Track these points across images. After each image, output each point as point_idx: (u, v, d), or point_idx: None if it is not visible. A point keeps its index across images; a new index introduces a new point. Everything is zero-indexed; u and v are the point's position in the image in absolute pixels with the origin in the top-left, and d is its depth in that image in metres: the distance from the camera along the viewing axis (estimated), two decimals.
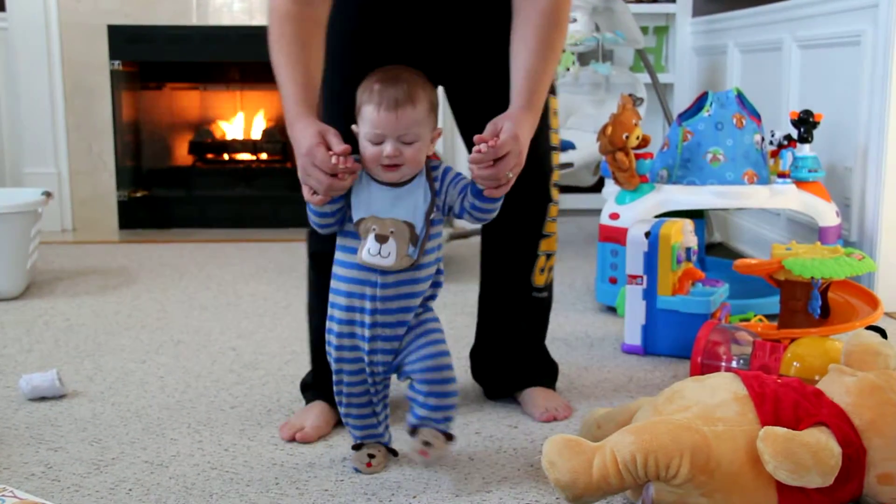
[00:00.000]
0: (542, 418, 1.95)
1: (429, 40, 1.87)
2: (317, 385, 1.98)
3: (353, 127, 1.59)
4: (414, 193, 1.58)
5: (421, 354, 1.64)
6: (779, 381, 1.59)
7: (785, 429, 1.45)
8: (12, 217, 3.04)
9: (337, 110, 1.75)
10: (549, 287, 2.07)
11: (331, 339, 1.66)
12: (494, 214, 1.62)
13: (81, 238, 4.27)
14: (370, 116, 1.53)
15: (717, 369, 2.06)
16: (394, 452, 1.74)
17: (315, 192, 1.55)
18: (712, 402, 1.54)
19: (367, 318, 1.61)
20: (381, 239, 1.56)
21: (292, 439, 1.86)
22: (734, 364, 2.09)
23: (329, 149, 1.53)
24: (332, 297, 1.65)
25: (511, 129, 1.55)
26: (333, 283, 1.65)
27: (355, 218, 1.58)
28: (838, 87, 3.11)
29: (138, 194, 4.57)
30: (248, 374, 2.29)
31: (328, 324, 1.66)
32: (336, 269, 1.64)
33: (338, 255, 1.64)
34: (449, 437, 1.67)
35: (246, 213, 4.50)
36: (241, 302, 3.04)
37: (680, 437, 1.45)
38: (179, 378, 2.27)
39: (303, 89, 1.63)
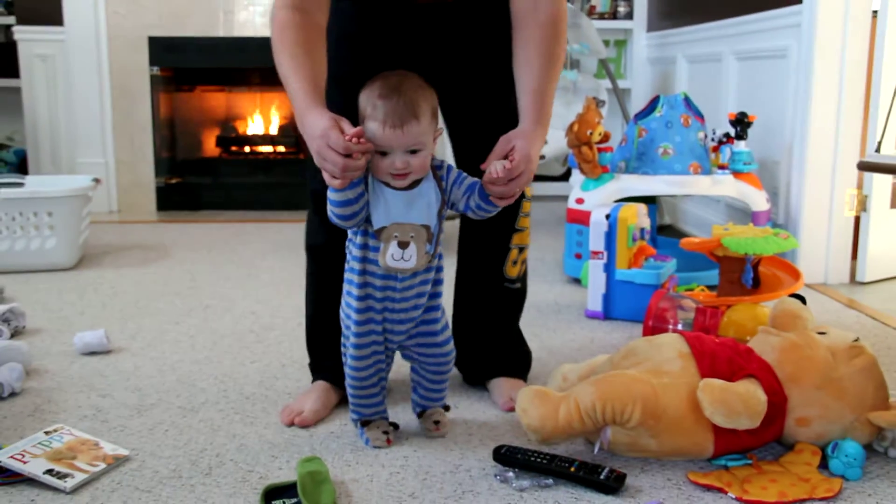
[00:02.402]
0: (505, 407, 1.75)
1: (423, 46, 1.68)
2: (317, 368, 1.85)
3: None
4: (426, 195, 1.46)
5: (429, 350, 1.58)
6: (716, 340, 1.59)
7: (720, 380, 1.46)
8: (68, 200, 3.04)
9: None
10: (521, 278, 1.88)
11: (349, 324, 1.54)
12: (494, 214, 1.50)
13: (125, 218, 4.25)
14: (376, 133, 1.39)
15: (665, 331, 2.07)
16: (395, 426, 1.63)
17: (334, 177, 1.39)
18: (660, 358, 1.55)
19: (388, 306, 1.51)
20: (403, 245, 1.44)
21: (291, 424, 1.67)
22: (679, 326, 2.09)
23: (342, 132, 1.37)
24: (347, 287, 1.53)
25: (524, 148, 1.42)
26: (349, 276, 1.52)
27: (376, 226, 1.45)
28: (768, 92, 3.11)
29: (173, 181, 4.54)
30: (266, 334, 2.29)
31: (345, 310, 1.55)
32: (353, 265, 1.51)
33: (355, 252, 1.50)
34: (447, 408, 1.66)
35: (265, 197, 4.48)
36: (260, 273, 3.03)
37: (633, 388, 1.45)
38: (207, 337, 2.27)
39: (311, 84, 1.46)
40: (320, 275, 1.84)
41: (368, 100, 1.41)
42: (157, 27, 4.30)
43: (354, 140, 1.35)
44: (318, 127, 1.38)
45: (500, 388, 1.81)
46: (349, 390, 1.59)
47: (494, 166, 1.41)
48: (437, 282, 1.55)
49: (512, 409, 1.73)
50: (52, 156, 4.52)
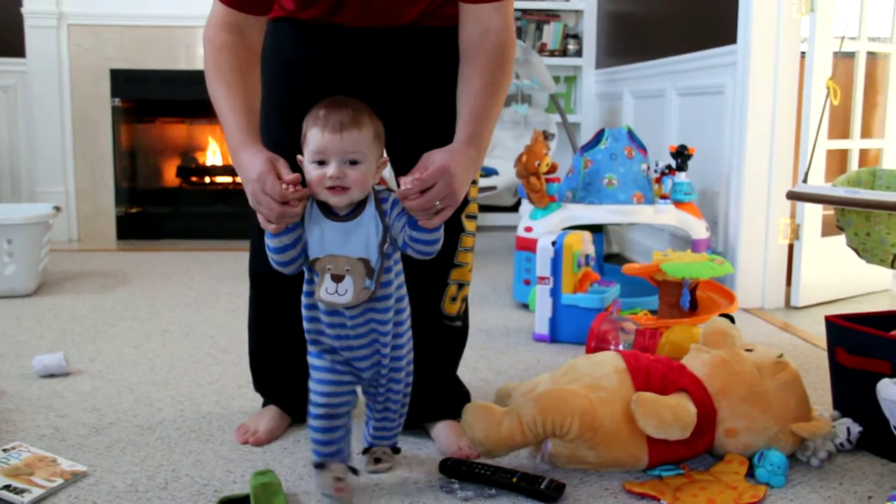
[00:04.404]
0: (458, 455, 1.61)
1: (372, 75, 1.59)
2: (264, 391, 1.82)
3: (299, 157, 1.36)
4: (366, 227, 1.35)
5: (389, 389, 1.49)
6: (651, 357, 1.65)
7: (653, 394, 1.51)
8: (28, 227, 3.04)
9: (271, 140, 1.46)
10: (462, 317, 1.73)
11: (313, 360, 1.45)
12: (435, 248, 1.37)
13: (85, 246, 4.23)
14: (315, 139, 1.31)
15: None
16: (354, 471, 1.46)
17: (269, 222, 1.33)
18: (598, 374, 1.60)
19: (345, 344, 1.42)
20: (337, 279, 1.34)
21: (246, 442, 1.68)
22: (621, 347, 2.14)
23: (279, 177, 1.30)
24: (305, 324, 1.44)
25: (441, 160, 1.32)
26: (304, 311, 1.43)
27: (311, 257, 1.37)
28: (707, 126, 3.21)
29: (133, 210, 4.54)
30: (223, 357, 2.31)
31: (309, 347, 1.45)
32: (304, 299, 1.43)
33: (304, 288, 1.42)
34: (397, 451, 1.58)
35: (224, 227, 4.48)
36: (218, 299, 3.04)
37: (571, 402, 1.50)
38: (165, 360, 2.28)
39: (245, 118, 1.39)
40: (262, 301, 1.76)
41: (310, 116, 1.35)
42: (119, 59, 4.31)
43: (291, 188, 1.29)
44: (254, 170, 1.31)
45: (448, 436, 1.67)
46: (310, 425, 1.46)
47: (403, 179, 1.32)
48: (399, 323, 1.45)
49: (463, 456, 1.62)
50: (13, 184, 4.50)
